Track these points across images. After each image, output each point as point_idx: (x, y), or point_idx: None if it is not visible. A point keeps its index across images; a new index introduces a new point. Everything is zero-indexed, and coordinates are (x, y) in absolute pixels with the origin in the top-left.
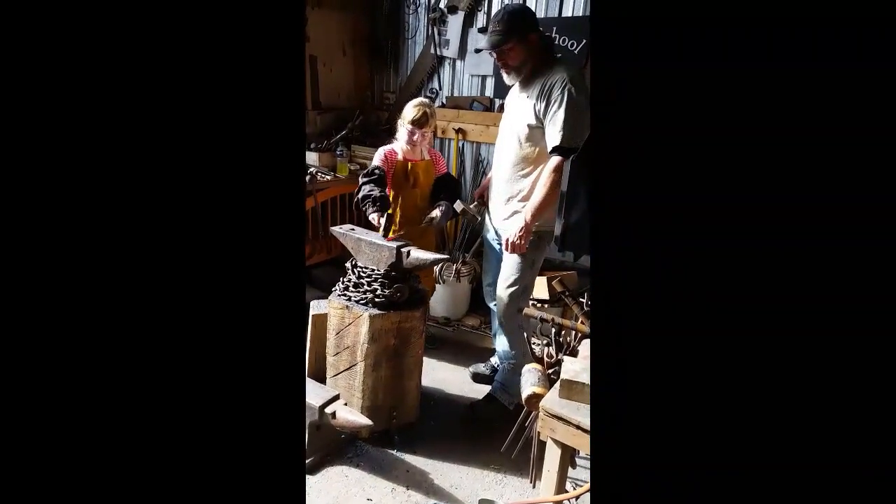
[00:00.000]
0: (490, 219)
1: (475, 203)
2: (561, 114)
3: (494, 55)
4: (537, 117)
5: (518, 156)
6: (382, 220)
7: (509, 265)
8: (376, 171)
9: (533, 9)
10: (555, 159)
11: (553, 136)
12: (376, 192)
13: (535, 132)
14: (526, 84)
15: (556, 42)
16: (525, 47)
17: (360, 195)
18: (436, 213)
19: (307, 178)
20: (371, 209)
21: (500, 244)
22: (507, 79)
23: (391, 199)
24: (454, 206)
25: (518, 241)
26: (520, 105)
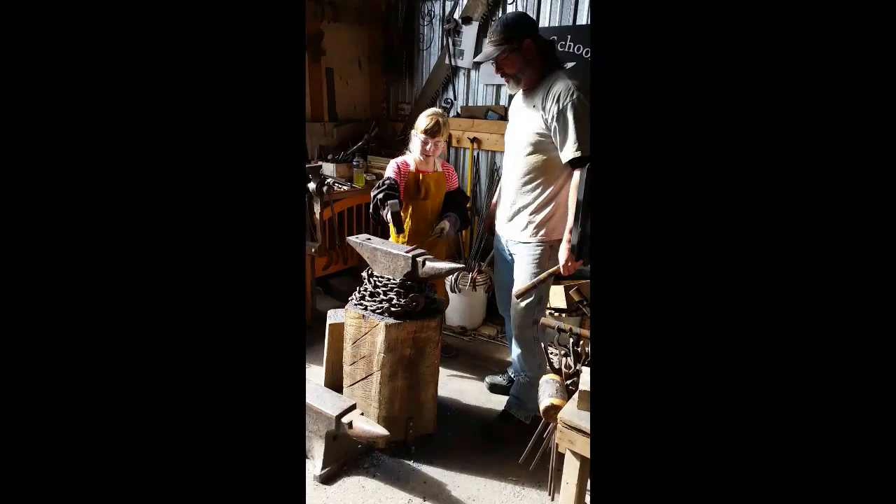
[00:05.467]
0: (498, 229)
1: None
2: (572, 124)
3: (494, 66)
4: (546, 126)
5: (526, 166)
6: (390, 217)
7: (522, 277)
8: (386, 182)
9: (546, 17)
10: (575, 174)
11: (569, 149)
12: (384, 194)
13: (543, 142)
14: (530, 92)
15: (570, 50)
16: (520, 54)
17: (372, 202)
18: (445, 223)
19: (325, 188)
20: (382, 209)
21: (510, 254)
22: (508, 88)
23: (402, 210)
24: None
25: (568, 264)
26: (526, 114)
